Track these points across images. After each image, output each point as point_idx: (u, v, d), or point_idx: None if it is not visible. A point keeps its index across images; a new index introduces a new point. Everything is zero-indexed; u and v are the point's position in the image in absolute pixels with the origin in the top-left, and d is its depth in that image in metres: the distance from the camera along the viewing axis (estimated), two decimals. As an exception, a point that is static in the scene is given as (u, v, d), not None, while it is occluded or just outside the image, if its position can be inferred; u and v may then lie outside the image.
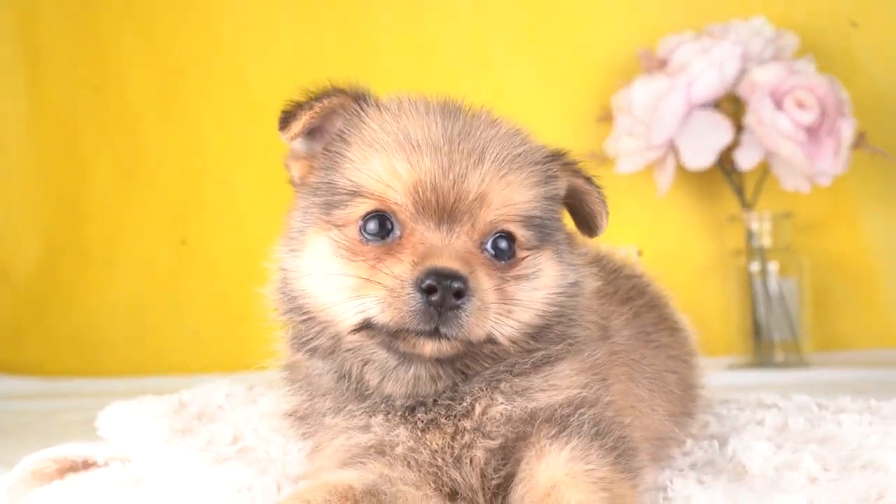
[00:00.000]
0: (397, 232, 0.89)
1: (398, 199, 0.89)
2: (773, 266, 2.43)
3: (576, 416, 0.90)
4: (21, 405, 2.48)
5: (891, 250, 2.54)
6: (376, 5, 2.81)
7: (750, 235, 2.44)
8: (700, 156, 2.34)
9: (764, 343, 2.44)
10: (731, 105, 2.39)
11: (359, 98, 0.97)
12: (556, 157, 0.99)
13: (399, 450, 0.91)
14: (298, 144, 1.01)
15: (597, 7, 2.67)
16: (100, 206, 2.91)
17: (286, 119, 0.98)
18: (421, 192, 0.88)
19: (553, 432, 0.88)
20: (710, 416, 1.31)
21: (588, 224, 1.01)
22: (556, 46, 2.70)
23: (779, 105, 2.19)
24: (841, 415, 1.21)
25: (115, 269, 2.90)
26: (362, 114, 0.95)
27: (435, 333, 0.84)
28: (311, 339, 0.95)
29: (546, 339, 0.94)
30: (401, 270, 0.84)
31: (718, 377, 2.29)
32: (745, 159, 2.31)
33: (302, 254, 0.94)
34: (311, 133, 0.99)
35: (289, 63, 2.84)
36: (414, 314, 0.83)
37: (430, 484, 0.91)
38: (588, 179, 1.00)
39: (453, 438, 0.90)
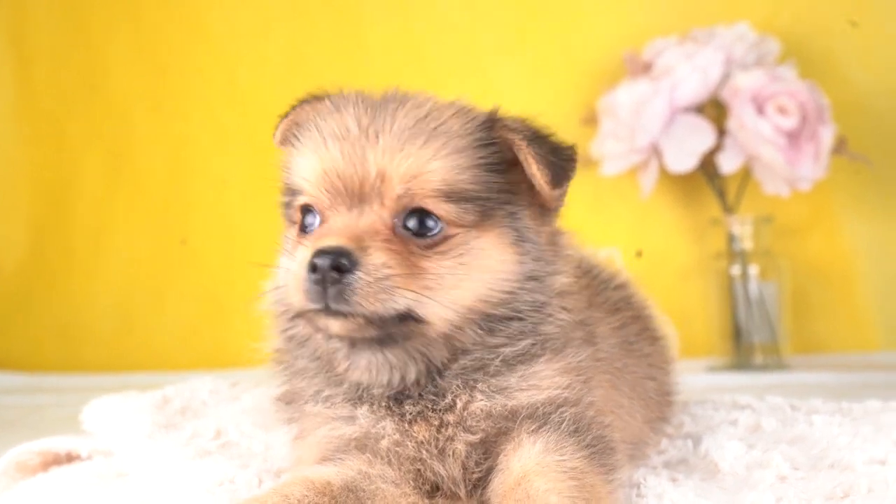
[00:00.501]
0: (318, 221, 0.93)
1: (312, 190, 0.93)
2: (753, 269, 2.45)
3: (556, 413, 0.91)
4: (5, 400, 2.48)
5: (869, 255, 2.58)
6: (367, 6, 2.82)
7: (731, 239, 2.47)
8: (683, 159, 2.36)
9: (744, 345, 2.47)
10: (714, 109, 2.41)
11: (318, 102, 1.00)
12: (491, 121, 0.95)
13: (384, 443, 0.92)
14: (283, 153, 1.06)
15: (585, 10, 2.70)
16: (87, 201, 2.91)
17: (275, 128, 1.05)
18: (329, 181, 0.91)
19: (533, 428, 0.90)
20: (685, 416, 1.33)
21: (531, 178, 0.95)
22: (544, 48, 2.72)
23: (760, 110, 2.23)
24: (813, 416, 1.24)
25: (100, 265, 2.90)
26: (314, 116, 0.98)
27: (329, 310, 0.86)
28: (289, 328, 1.01)
29: (506, 335, 0.93)
30: (301, 254, 0.88)
31: (698, 378, 2.32)
32: (727, 163, 2.34)
33: (282, 251, 1.01)
34: (284, 143, 1.05)
35: (280, 61, 2.84)
36: (307, 293, 0.86)
37: (409, 482, 0.93)
38: (523, 134, 0.94)
39: (438, 431, 0.92)
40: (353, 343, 0.92)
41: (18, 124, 2.94)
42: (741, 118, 2.24)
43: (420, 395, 0.93)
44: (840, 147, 2.33)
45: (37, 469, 1.26)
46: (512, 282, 0.94)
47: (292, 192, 0.98)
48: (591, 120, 2.55)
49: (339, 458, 0.92)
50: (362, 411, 0.94)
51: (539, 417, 0.91)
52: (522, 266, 0.94)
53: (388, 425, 0.93)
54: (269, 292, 1.03)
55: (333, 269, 0.84)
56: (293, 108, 1.03)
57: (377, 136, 0.90)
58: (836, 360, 2.52)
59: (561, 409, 0.91)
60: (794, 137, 2.22)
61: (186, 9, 2.89)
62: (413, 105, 0.95)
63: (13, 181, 2.94)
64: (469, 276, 0.91)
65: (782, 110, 2.21)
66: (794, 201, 2.44)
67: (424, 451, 0.92)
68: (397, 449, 0.92)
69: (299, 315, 0.94)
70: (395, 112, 0.93)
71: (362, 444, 0.93)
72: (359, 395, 0.95)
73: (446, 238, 0.90)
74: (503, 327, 0.94)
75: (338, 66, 2.80)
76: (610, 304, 1.19)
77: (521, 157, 0.94)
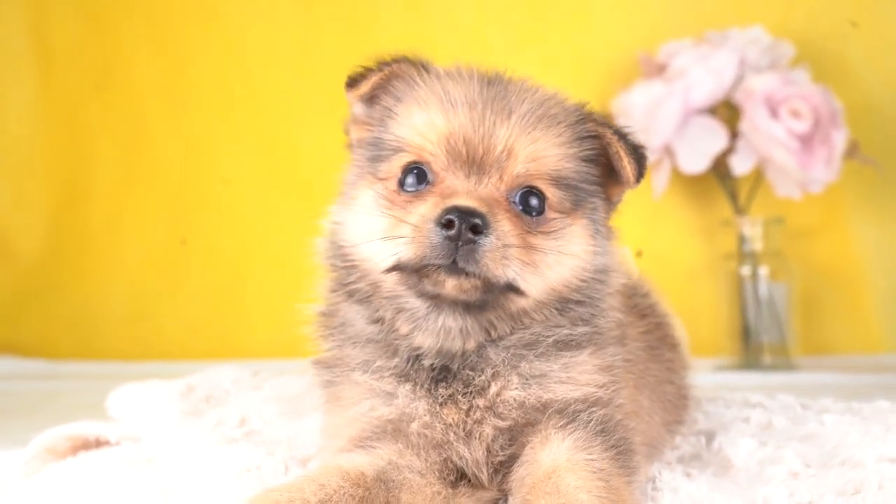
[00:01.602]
0: (430, 180, 0.94)
1: (432, 149, 0.94)
2: (763, 270, 2.48)
3: (587, 412, 0.94)
4: (24, 385, 2.52)
5: (878, 258, 2.60)
6: (379, 5, 2.84)
7: (742, 240, 2.49)
8: (695, 160, 2.39)
9: (752, 345, 2.49)
10: (727, 111, 2.43)
11: (417, 66, 1.03)
12: (585, 115, 1.01)
13: (415, 426, 0.95)
14: (359, 109, 1.06)
15: (599, 11, 2.72)
16: (102, 193, 2.95)
17: (355, 80, 1.04)
18: (453, 143, 0.93)
19: (562, 423, 0.92)
20: (698, 414, 1.36)
21: (619, 172, 1.01)
22: (558, 48, 2.74)
23: (774, 113, 2.25)
24: (823, 415, 1.27)
25: (115, 256, 2.93)
26: (417, 78, 1.00)
27: (454, 268, 0.88)
28: (352, 283, 1.00)
29: (570, 317, 0.97)
30: (425, 210, 0.90)
31: (707, 377, 2.35)
32: (740, 165, 2.36)
33: (350, 206, 1.00)
34: (371, 99, 1.05)
35: (292, 57, 2.87)
36: (434, 247, 0.88)
37: (434, 472, 0.96)
38: (614, 130, 1.01)
39: (467, 414, 0.95)
40: (439, 305, 0.93)
41: (37, 118, 2.98)
42: (754, 121, 2.26)
43: (455, 375, 0.95)
44: (852, 151, 2.35)
45: (66, 453, 1.29)
46: (589, 271, 0.98)
47: (390, 147, 0.97)
48: (604, 120, 2.58)
49: (371, 446, 0.94)
50: (403, 390, 0.96)
51: (569, 414, 0.93)
52: (596, 258, 0.99)
53: (421, 406, 0.95)
54: (327, 247, 1.03)
55: (470, 228, 0.87)
56: (385, 63, 1.03)
57: (509, 114, 0.94)
58: (843, 362, 2.54)
59: (591, 409, 0.94)
60: (806, 141, 2.24)
61: (201, 5, 2.92)
62: (529, 90, 0.99)
63: (31, 173, 2.97)
64: (562, 260, 0.95)
65: (795, 114, 2.23)
66: (804, 203, 2.46)
67: (452, 434, 0.95)
68: (426, 432, 0.95)
69: (396, 269, 0.93)
70: (520, 94, 0.97)
71: (395, 429, 0.96)
72: (406, 372, 0.96)
73: (548, 220, 0.95)
74: (571, 311, 0.97)
75: (349, 63, 2.82)
76: (638, 309, 1.22)
77: (612, 151, 1.00)
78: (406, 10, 2.82)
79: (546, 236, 0.94)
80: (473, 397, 0.95)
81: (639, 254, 2.64)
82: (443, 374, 0.96)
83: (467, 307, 0.93)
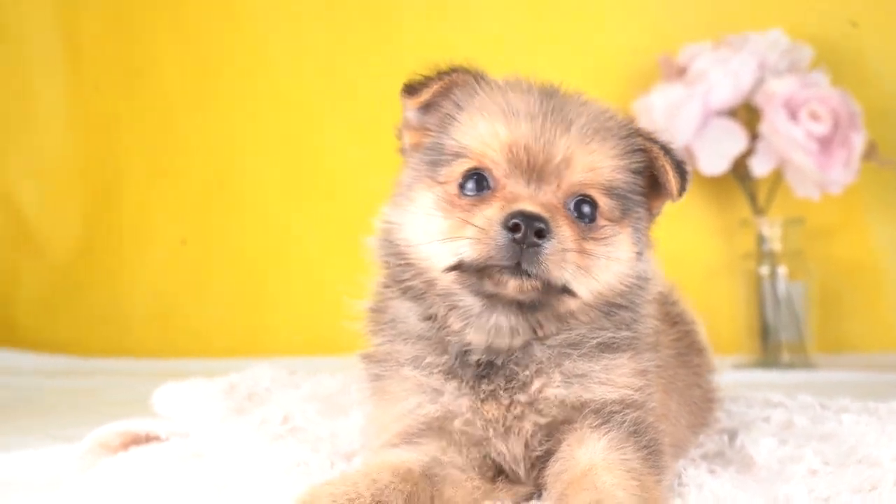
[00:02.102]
0: (491, 186, 0.99)
1: (495, 156, 0.99)
2: (782, 270, 2.52)
3: (621, 414, 0.99)
4: (58, 382, 2.60)
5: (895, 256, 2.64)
6: (402, 8, 2.90)
7: (761, 240, 2.53)
8: (715, 162, 2.43)
9: (771, 344, 2.53)
10: (747, 113, 2.48)
11: (476, 76, 1.08)
12: (638, 131, 1.08)
13: (457, 423, 1.00)
14: (413, 115, 1.10)
15: (619, 14, 2.76)
16: (133, 193, 3.03)
17: (415, 88, 1.08)
18: (514, 152, 0.98)
19: (597, 423, 0.97)
20: (721, 413, 1.41)
21: (664, 185, 1.07)
22: (578, 51, 2.78)
23: (793, 116, 2.29)
24: (842, 414, 1.32)
25: (145, 254, 3.02)
26: (476, 87, 1.06)
27: (517, 269, 0.93)
28: (407, 280, 1.04)
29: (614, 321, 1.02)
30: (490, 213, 0.95)
31: (726, 375, 2.39)
32: (759, 166, 2.40)
33: (407, 208, 1.04)
34: (427, 106, 1.09)
35: (317, 60, 2.93)
36: (499, 249, 0.93)
37: (474, 468, 1.02)
38: (661, 145, 1.07)
39: (507, 409, 1.00)
40: (494, 304, 0.98)
41: (69, 121, 3.06)
42: (774, 123, 2.30)
43: (501, 367, 1.00)
44: (870, 152, 2.38)
45: (118, 448, 1.35)
46: (632, 277, 1.03)
47: (451, 152, 1.02)
48: (625, 122, 2.62)
49: (417, 442, 1.00)
50: (450, 387, 1.01)
51: (605, 415, 0.98)
52: (638, 265, 1.05)
53: (464, 403, 1.00)
54: (381, 245, 1.08)
55: (535, 233, 0.93)
56: (445, 73, 1.08)
57: (568, 126, 0.99)
58: (862, 360, 2.57)
59: (626, 411, 0.99)
60: (825, 143, 2.28)
61: (228, 12, 2.98)
62: (585, 103, 1.05)
63: (64, 175, 3.06)
64: (610, 265, 1.00)
65: (815, 116, 2.27)
66: (823, 204, 2.50)
67: (492, 430, 1.00)
68: (467, 429, 1.00)
69: (457, 268, 0.97)
70: (577, 107, 1.02)
71: (440, 426, 1.01)
72: (454, 369, 1.01)
73: (599, 227, 1.00)
74: (615, 316, 1.02)
75: (372, 65, 2.87)
76: (670, 317, 1.27)
77: (659, 164, 1.05)
78: (428, 15, 2.87)
79: (597, 242, 0.99)
80: (515, 393, 1.00)
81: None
82: (487, 370, 1.01)
83: (520, 306, 0.98)
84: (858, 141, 2.29)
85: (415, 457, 0.98)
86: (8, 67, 3.05)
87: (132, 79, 3.02)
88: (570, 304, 0.99)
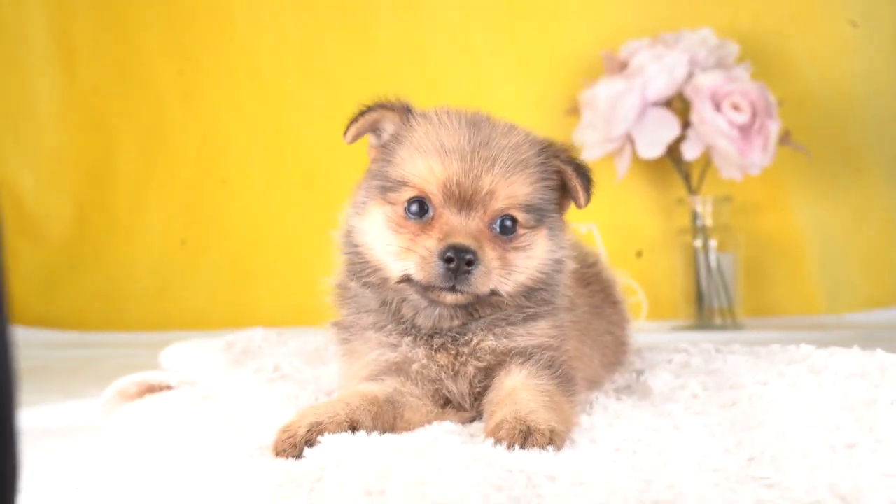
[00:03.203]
0: (430, 213, 1.24)
1: (432, 189, 1.23)
2: (713, 243, 2.80)
3: (539, 353, 1.26)
4: (58, 353, 2.77)
5: (813, 230, 2.93)
6: (375, 11, 3.12)
7: (694, 216, 2.81)
8: (652, 147, 2.70)
9: (705, 309, 2.82)
10: (680, 104, 2.75)
11: (404, 110, 1.31)
12: (550, 148, 1.28)
13: (415, 367, 1.27)
14: (371, 139, 1.35)
15: (569, 14, 3.02)
16: (125, 178, 3.22)
17: (347, 127, 1.32)
18: (448, 186, 1.22)
19: (521, 361, 1.25)
20: (636, 358, 1.70)
21: (574, 198, 1.30)
22: (533, 47, 3.04)
23: (717, 107, 2.58)
24: (729, 356, 1.61)
25: (138, 236, 3.21)
26: (411, 122, 1.28)
27: (453, 289, 1.20)
28: (366, 275, 1.30)
29: (534, 301, 1.29)
30: (430, 244, 1.20)
31: (664, 336, 2.68)
32: (690, 151, 2.68)
33: (364, 218, 1.29)
34: (375, 130, 1.33)
35: (297, 56, 3.15)
36: (438, 276, 1.18)
37: (429, 398, 1.29)
38: (571, 162, 1.28)
39: (455, 358, 1.27)
40: (436, 304, 1.24)
41: (64, 112, 3.24)
42: (701, 113, 2.59)
43: (448, 332, 1.27)
44: (785, 139, 2.68)
45: (135, 396, 1.59)
46: (549, 266, 1.29)
47: (395, 181, 1.25)
48: (573, 111, 2.89)
49: (381, 379, 1.26)
50: (406, 341, 1.28)
51: (527, 354, 1.26)
52: (554, 254, 1.30)
53: (420, 352, 1.27)
54: (343, 240, 1.32)
55: (466, 262, 1.18)
56: (368, 111, 1.30)
57: (493, 163, 1.23)
58: (784, 322, 2.88)
59: (543, 351, 1.26)
60: (745, 130, 2.57)
61: (213, 12, 3.19)
62: (508, 134, 1.26)
63: (60, 162, 3.24)
64: (529, 264, 1.26)
65: (736, 107, 2.56)
66: (748, 184, 2.80)
67: (444, 373, 1.27)
68: (424, 371, 1.27)
69: (405, 281, 1.22)
70: (502, 139, 1.25)
71: (399, 368, 1.28)
72: (408, 330, 1.28)
73: (518, 236, 1.25)
74: (536, 297, 1.29)
75: (349, 62, 3.10)
76: (584, 278, 1.54)
77: (571, 185, 1.29)
78: (400, 15, 3.11)
79: (517, 251, 1.25)
80: (460, 346, 1.28)
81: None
82: (437, 333, 1.28)
83: (458, 306, 1.26)
84: (774, 128, 2.58)
85: (380, 387, 1.24)
86: (6, 65, 3.23)
87: (124, 74, 3.21)
88: (497, 298, 1.26)
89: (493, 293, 1.24)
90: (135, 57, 3.21)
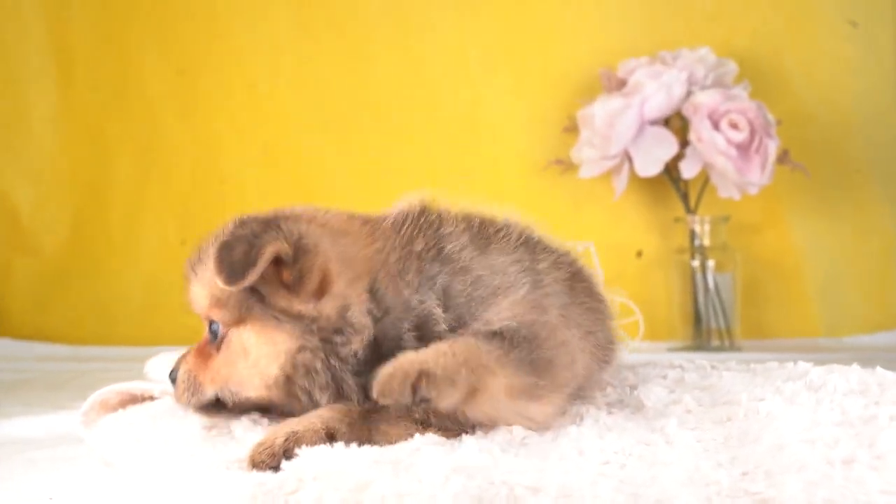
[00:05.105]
0: None
1: None
2: (711, 263, 2.77)
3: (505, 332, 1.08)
4: (51, 366, 2.77)
5: (812, 251, 2.91)
6: (371, 27, 3.13)
7: (692, 235, 2.79)
8: (650, 165, 2.68)
9: (702, 330, 2.78)
10: (678, 122, 2.74)
11: None
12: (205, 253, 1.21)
13: None
14: None
15: (566, 32, 3.02)
16: (120, 192, 3.21)
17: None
18: None
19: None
20: (630, 373, 1.66)
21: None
22: (530, 64, 3.03)
23: (715, 125, 2.56)
24: (725, 372, 1.58)
25: (132, 250, 3.19)
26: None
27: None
28: None
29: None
30: None
31: (660, 356, 2.65)
32: (688, 170, 2.67)
33: None
34: None
35: (293, 73, 3.15)
36: None
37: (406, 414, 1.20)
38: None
39: None
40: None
41: (60, 125, 3.24)
42: (699, 131, 2.58)
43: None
44: (783, 158, 2.67)
45: (116, 406, 1.56)
46: (289, 353, 1.13)
47: None
48: (571, 129, 2.88)
49: None
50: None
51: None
52: (287, 343, 1.12)
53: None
54: None
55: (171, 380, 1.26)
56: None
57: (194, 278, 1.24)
58: (783, 344, 2.85)
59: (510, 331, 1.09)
60: (743, 149, 2.56)
61: (209, 24, 3.20)
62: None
63: (54, 174, 3.23)
64: (237, 366, 1.18)
65: (734, 125, 2.55)
66: (746, 204, 2.78)
67: None
68: None
69: None
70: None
71: None
72: None
73: (222, 338, 1.18)
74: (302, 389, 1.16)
75: (344, 78, 3.11)
76: (546, 263, 1.32)
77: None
78: (396, 30, 3.11)
79: (220, 353, 1.19)
80: None
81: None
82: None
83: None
84: (773, 147, 2.57)
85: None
86: (2, 77, 3.23)
87: (120, 88, 3.21)
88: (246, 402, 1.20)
89: (220, 401, 1.22)
90: (131, 70, 3.22)
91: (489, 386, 1.00)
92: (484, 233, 1.27)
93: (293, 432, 1.06)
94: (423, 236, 1.23)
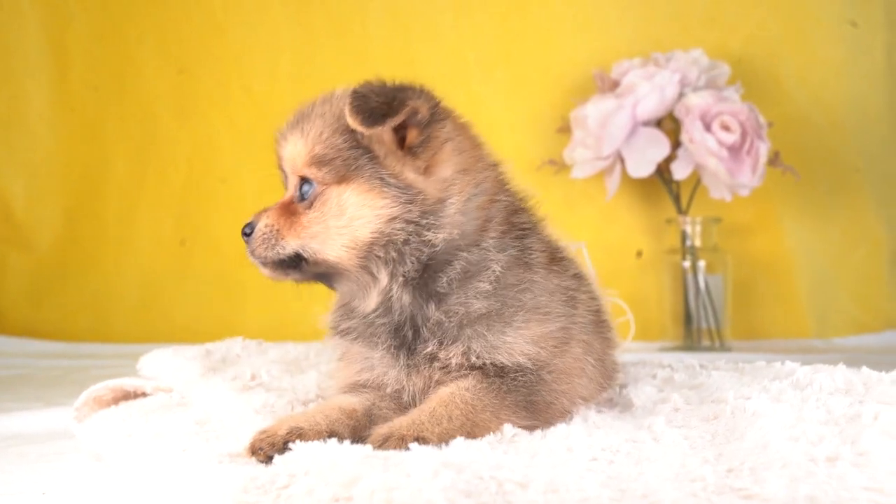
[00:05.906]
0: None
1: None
2: (702, 263, 2.78)
3: (512, 374, 1.14)
4: (46, 363, 2.77)
5: (802, 253, 2.93)
6: (370, 21, 3.14)
7: (684, 236, 2.80)
8: (642, 166, 2.69)
9: (693, 330, 2.79)
10: (670, 123, 2.75)
11: None
12: (337, 93, 1.20)
13: (389, 389, 1.22)
14: None
15: (560, 34, 3.03)
16: (116, 189, 3.22)
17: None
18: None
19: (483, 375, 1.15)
20: (620, 373, 1.68)
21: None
22: (525, 65, 3.05)
23: (707, 127, 2.58)
24: (713, 371, 1.59)
25: (127, 247, 3.21)
26: None
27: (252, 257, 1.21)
28: None
29: (385, 266, 1.15)
30: None
31: (651, 356, 2.66)
32: (680, 171, 2.68)
33: None
34: None
35: (289, 72, 3.16)
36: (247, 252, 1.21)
37: (401, 409, 1.25)
38: (347, 103, 1.12)
39: (428, 379, 1.20)
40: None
41: (55, 121, 3.25)
42: (691, 133, 2.59)
43: (416, 348, 1.18)
44: (774, 160, 2.69)
45: (110, 402, 1.57)
46: (381, 220, 1.14)
47: None
48: (564, 130, 2.89)
49: (360, 390, 1.23)
50: (378, 355, 1.22)
51: (489, 372, 1.15)
52: (388, 207, 1.13)
53: (392, 374, 1.21)
54: None
55: (244, 234, 1.21)
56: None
57: (283, 133, 1.23)
58: (773, 345, 2.86)
59: (516, 374, 1.14)
60: (735, 151, 2.57)
61: (206, 22, 3.20)
62: (314, 102, 1.20)
63: (50, 171, 3.25)
64: (328, 223, 1.16)
65: (725, 127, 2.56)
66: (738, 205, 2.79)
67: (419, 397, 1.20)
68: (399, 390, 1.21)
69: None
70: (304, 109, 1.21)
71: (375, 386, 1.23)
72: (376, 339, 1.22)
73: (315, 196, 1.16)
74: (413, 260, 1.15)
75: (343, 78, 3.09)
76: (590, 294, 1.38)
77: (350, 121, 1.12)
78: (394, 30, 3.12)
79: (311, 212, 1.16)
80: (432, 370, 1.19)
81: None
82: (403, 346, 1.22)
83: (280, 272, 1.24)
84: (764, 149, 2.58)
85: (358, 400, 1.20)
86: (-2, 74, 3.25)
87: (116, 84, 3.22)
88: (325, 262, 1.16)
89: (299, 257, 1.17)
90: (129, 68, 3.23)
91: (484, 433, 1.07)
92: (552, 247, 1.30)
93: (297, 427, 1.07)
94: (524, 212, 1.27)
